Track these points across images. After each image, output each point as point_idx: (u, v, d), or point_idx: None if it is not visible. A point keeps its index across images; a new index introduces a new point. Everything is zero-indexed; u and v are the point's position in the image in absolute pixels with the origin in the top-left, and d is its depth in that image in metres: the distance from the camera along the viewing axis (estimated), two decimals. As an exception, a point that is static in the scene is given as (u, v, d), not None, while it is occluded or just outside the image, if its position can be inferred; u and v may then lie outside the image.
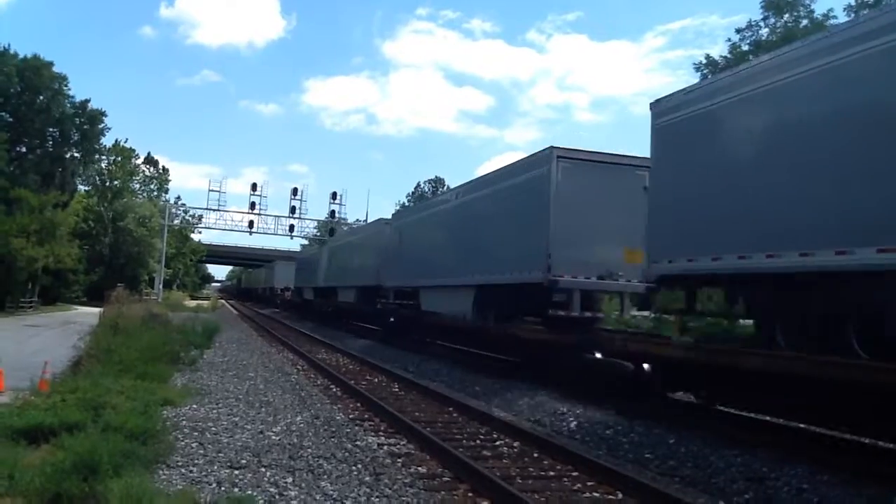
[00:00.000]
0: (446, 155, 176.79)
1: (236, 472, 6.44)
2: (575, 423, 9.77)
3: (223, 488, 5.91)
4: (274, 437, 7.98)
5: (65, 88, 44.28)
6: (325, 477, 6.47)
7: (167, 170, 67.64)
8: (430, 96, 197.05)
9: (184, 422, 8.50)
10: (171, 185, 68.28)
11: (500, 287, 14.64)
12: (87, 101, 46.09)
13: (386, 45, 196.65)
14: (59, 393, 8.74)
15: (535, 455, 7.91)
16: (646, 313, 15.02)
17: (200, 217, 57.98)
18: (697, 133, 9.22)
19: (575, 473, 7.10)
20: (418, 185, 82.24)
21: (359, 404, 10.98)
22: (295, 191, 51.15)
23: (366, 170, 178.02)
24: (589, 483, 6.79)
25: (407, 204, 71.12)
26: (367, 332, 27.06)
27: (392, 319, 23.31)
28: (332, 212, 51.99)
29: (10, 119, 42.05)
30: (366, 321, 28.82)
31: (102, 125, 47.28)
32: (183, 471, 6.36)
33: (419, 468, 7.14)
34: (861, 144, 6.94)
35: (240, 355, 17.47)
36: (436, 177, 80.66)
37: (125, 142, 58.00)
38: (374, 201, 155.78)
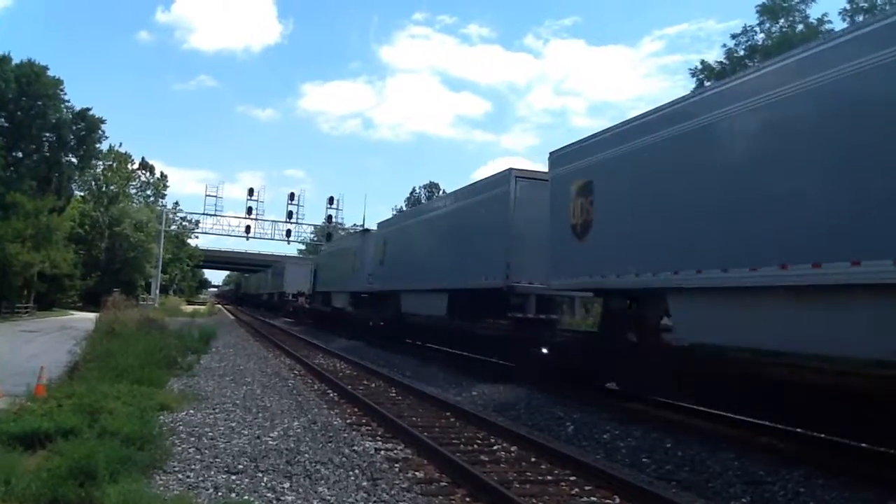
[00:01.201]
0: (443, 160, 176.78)
1: (233, 477, 6.43)
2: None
3: (220, 493, 5.90)
4: (271, 443, 7.97)
5: (61, 93, 44.30)
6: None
7: (165, 175, 67.76)
8: (427, 101, 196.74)
9: (180, 427, 8.48)
10: (167, 191, 68.33)
11: None
12: (88, 109, 46.07)
13: (383, 49, 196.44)
14: (55, 398, 8.73)
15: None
16: None
17: (197, 222, 58.01)
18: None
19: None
20: (413, 190, 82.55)
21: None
22: (292, 196, 51.38)
23: (363, 175, 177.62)
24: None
25: (405, 209, 69.78)
26: (459, 364, 16.70)
27: (545, 351, 13.41)
28: (329, 217, 52.22)
29: (7, 124, 42.02)
30: (456, 344, 18.72)
31: (100, 133, 47.24)
32: (180, 476, 6.35)
33: None
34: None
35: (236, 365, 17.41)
36: (430, 182, 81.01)
37: (119, 146, 58.05)
38: (370, 206, 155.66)
